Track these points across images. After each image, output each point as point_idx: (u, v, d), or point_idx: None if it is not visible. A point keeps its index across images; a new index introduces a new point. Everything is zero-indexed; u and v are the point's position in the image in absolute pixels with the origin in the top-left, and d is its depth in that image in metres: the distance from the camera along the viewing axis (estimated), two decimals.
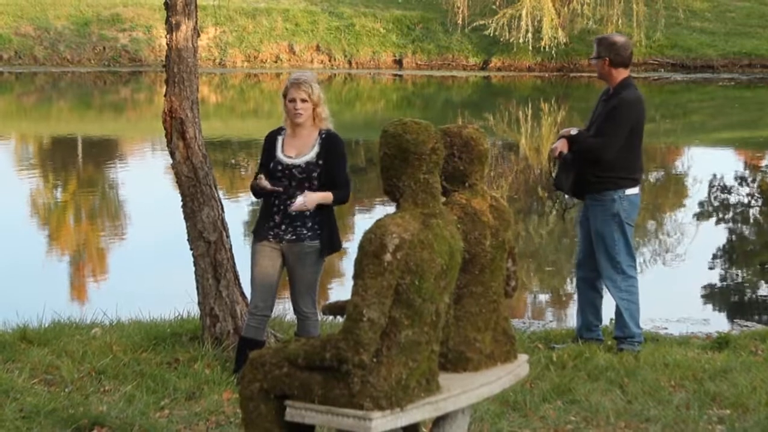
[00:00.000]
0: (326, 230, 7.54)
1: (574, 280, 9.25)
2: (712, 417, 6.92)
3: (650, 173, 22.86)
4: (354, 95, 39.56)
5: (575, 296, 9.42)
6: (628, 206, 8.71)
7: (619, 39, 8.86)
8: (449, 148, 5.61)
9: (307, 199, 7.36)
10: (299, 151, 7.50)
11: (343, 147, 7.63)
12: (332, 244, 7.60)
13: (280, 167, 7.51)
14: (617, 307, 8.80)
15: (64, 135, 28.80)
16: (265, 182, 7.47)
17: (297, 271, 7.58)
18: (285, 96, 7.55)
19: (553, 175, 8.90)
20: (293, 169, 7.47)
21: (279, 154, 7.55)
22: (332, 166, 7.47)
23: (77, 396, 7.21)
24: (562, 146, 8.66)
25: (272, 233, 7.55)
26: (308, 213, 7.48)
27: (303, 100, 7.46)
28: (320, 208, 7.48)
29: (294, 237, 7.51)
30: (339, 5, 48.10)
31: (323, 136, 7.55)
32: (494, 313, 5.66)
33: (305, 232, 7.51)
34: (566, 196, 8.83)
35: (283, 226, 7.52)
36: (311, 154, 7.48)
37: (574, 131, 8.73)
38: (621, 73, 8.73)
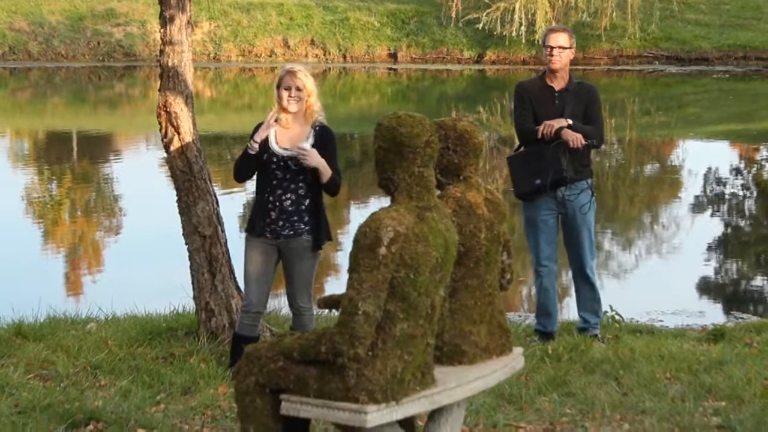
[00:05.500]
0: (318, 224, 7.52)
1: (542, 276, 9.00)
2: (707, 409, 6.92)
3: (645, 166, 22.89)
4: (349, 89, 39.56)
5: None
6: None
7: None
8: (444, 142, 5.60)
9: (311, 153, 7.35)
10: (293, 143, 7.47)
11: (336, 140, 7.63)
12: (322, 236, 7.57)
13: (275, 158, 7.48)
14: (590, 295, 8.86)
15: (59, 130, 28.79)
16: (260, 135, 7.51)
17: (295, 265, 7.55)
18: (279, 86, 7.52)
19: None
20: (289, 161, 7.45)
21: (273, 145, 7.52)
22: (327, 158, 7.45)
23: (73, 391, 7.20)
24: (577, 136, 8.50)
25: (269, 229, 7.52)
26: (304, 207, 7.47)
27: (298, 89, 7.45)
28: (314, 202, 7.49)
29: (291, 232, 7.49)
30: None
31: (317, 129, 7.54)
32: (489, 306, 5.66)
33: (302, 226, 7.49)
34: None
35: (280, 222, 7.49)
36: (306, 147, 7.46)
37: (570, 122, 8.62)
38: None
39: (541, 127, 8.54)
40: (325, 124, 7.60)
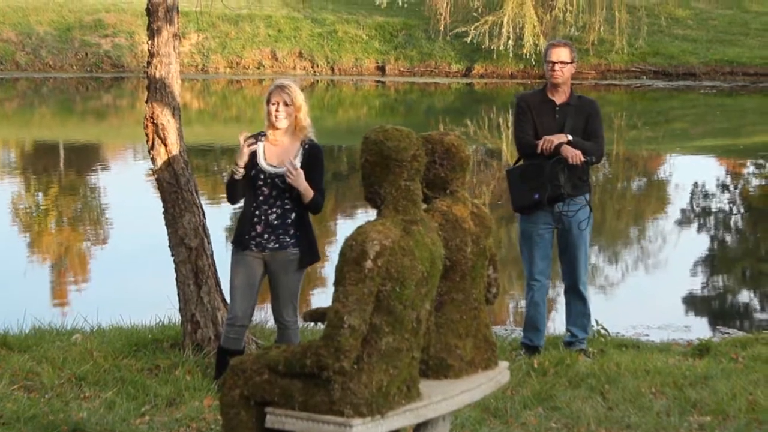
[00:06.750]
0: (306, 239, 7.52)
1: (534, 290, 8.95)
2: (692, 424, 6.93)
3: (632, 180, 22.92)
4: (336, 102, 39.55)
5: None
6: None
7: None
8: (430, 155, 5.61)
9: (299, 174, 7.32)
10: (281, 160, 7.46)
11: (323, 159, 7.62)
12: (312, 254, 7.58)
13: (262, 175, 7.47)
14: (581, 310, 8.86)
15: (46, 141, 28.73)
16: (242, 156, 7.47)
17: (281, 279, 7.54)
18: (268, 101, 7.51)
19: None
20: (276, 179, 7.44)
21: (261, 162, 7.51)
22: (313, 176, 7.43)
23: (57, 402, 7.19)
24: (577, 153, 8.52)
25: (254, 242, 7.51)
26: (290, 221, 7.47)
27: (285, 104, 7.44)
28: (299, 217, 7.48)
29: (277, 245, 7.48)
30: (322, 12, 48.12)
31: (306, 146, 7.52)
32: (475, 320, 5.66)
33: (288, 239, 7.48)
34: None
35: (266, 235, 7.48)
36: (297, 164, 7.42)
37: (570, 137, 8.59)
38: None
39: (540, 142, 8.52)
40: (314, 142, 7.58)
